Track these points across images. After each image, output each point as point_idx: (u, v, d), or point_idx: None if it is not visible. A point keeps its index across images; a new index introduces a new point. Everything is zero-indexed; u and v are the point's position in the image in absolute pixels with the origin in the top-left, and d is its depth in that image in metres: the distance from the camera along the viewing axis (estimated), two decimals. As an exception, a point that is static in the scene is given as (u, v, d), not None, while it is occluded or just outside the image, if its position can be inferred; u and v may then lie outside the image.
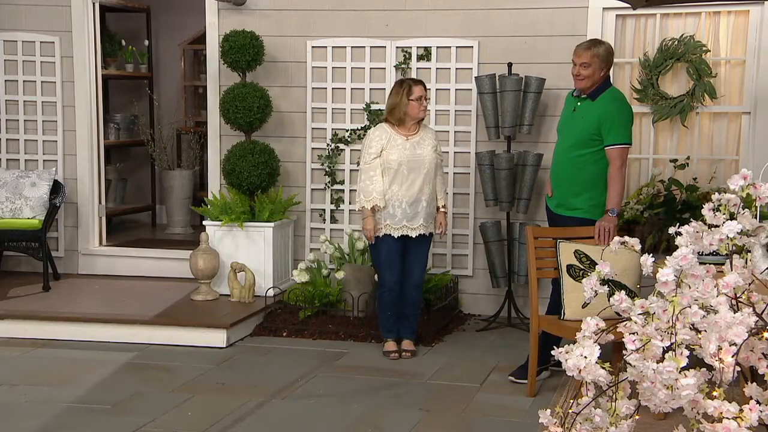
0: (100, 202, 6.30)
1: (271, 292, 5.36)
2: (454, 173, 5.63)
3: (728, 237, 1.83)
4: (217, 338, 4.87)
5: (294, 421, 3.80)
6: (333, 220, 5.86)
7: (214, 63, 5.86)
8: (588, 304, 3.77)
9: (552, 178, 4.39)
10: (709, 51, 5.09)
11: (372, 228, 4.56)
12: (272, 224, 5.49)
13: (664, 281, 1.75)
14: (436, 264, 5.66)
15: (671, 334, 1.65)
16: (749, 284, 1.97)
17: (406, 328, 4.76)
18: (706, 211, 1.91)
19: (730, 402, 1.58)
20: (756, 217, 3.69)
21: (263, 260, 5.48)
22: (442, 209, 4.78)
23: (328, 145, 5.81)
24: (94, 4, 6.13)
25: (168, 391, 4.12)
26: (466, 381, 4.34)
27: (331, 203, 5.85)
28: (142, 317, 5.03)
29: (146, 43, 7.47)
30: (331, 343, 4.98)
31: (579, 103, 4.24)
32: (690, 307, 1.67)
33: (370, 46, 5.68)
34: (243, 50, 5.44)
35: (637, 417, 1.93)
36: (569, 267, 3.98)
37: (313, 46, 5.76)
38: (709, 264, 1.98)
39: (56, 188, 5.90)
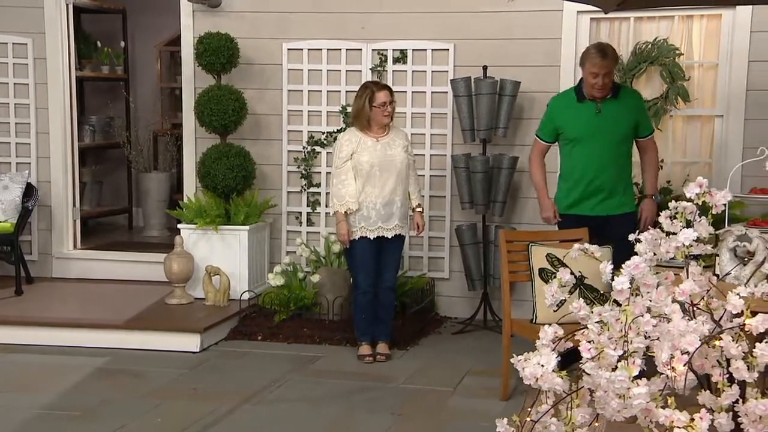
0: (74, 205, 6.25)
1: (246, 296, 5.33)
2: (430, 176, 5.63)
3: (684, 245, 1.84)
4: (190, 342, 4.84)
5: (265, 427, 3.78)
6: (309, 222, 5.84)
7: (189, 65, 5.83)
8: (559, 307, 3.77)
9: (584, 186, 4.28)
10: (683, 54, 5.12)
11: (346, 232, 4.55)
12: (247, 227, 5.47)
13: (619, 289, 1.76)
14: (412, 267, 5.66)
15: (624, 343, 1.66)
16: (707, 291, 1.98)
17: (381, 331, 4.76)
18: (663, 218, 1.92)
19: (681, 410, 1.59)
20: (725, 222, 3.71)
21: (238, 263, 5.46)
22: (417, 209, 4.78)
23: (304, 147, 5.79)
24: (67, 5, 6.07)
25: (139, 396, 4.09)
26: (439, 385, 4.33)
27: (308, 206, 5.83)
28: (115, 322, 5.00)
29: (122, 44, 7.41)
30: (305, 346, 4.97)
31: (599, 104, 4.26)
32: (642, 316, 1.67)
33: (346, 49, 5.66)
34: (218, 52, 5.42)
35: (596, 424, 1.94)
36: (541, 270, 3.99)
37: (288, 49, 5.74)
38: (673, 268, 2.00)
39: (29, 191, 5.84)
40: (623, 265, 1.76)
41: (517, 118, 5.41)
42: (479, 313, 5.40)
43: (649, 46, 5.12)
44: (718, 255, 3.53)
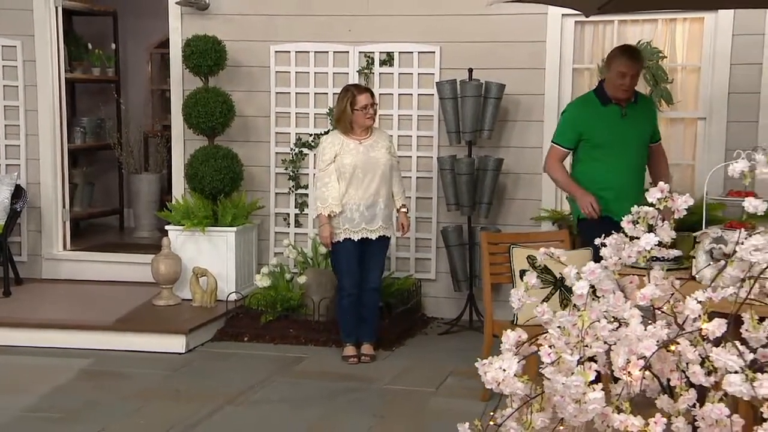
0: (64, 207, 6.24)
1: (233, 297, 5.32)
2: (416, 178, 5.63)
3: (646, 249, 1.83)
4: (176, 344, 4.83)
5: (246, 428, 3.77)
6: (297, 224, 5.84)
7: (178, 67, 5.82)
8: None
9: (614, 193, 4.14)
10: (666, 57, 5.12)
11: (328, 235, 4.55)
12: (235, 229, 5.46)
13: (579, 294, 1.75)
14: (399, 268, 5.65)
15: (580, 348, 1.65)
16: (671, 295, 1.97)
17: (365, 331, 4.75)
18: (625, 223, 1.92)
19: (636, 415, 1.58)
20: (703, 224, 3.69)
21: (226, 265, 5.45)
22: (402, 210, 4.74)
23: (291, 149, 5.78)
24: (56, 8, 6.06)
25: (122, 398, 4.07)
26: (422, 385, 4.33)
27: (295, 207, 5.82)
28: (101, 323, 4.98)
29: (113, 46, 7.40)
30: (291, 347, 4.96)
31: (623, 109, 4.16)
32: (599, 321, 1.66)
33: (333, 51, 5.66)
34: (205, 55, 5.41)
35: (561, 428, 1.93)
36: (522, 272, 3.98)
37: (276, 51, 5.73)
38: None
39: (18, 193, 5.83)
40: (582, 270, 1.76)
41: (503, 121, 5.41)
42: (465, 313, 5.40)
43: (632, 49, 5.11)
44: (694, 257, 3.53)
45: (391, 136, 5.16)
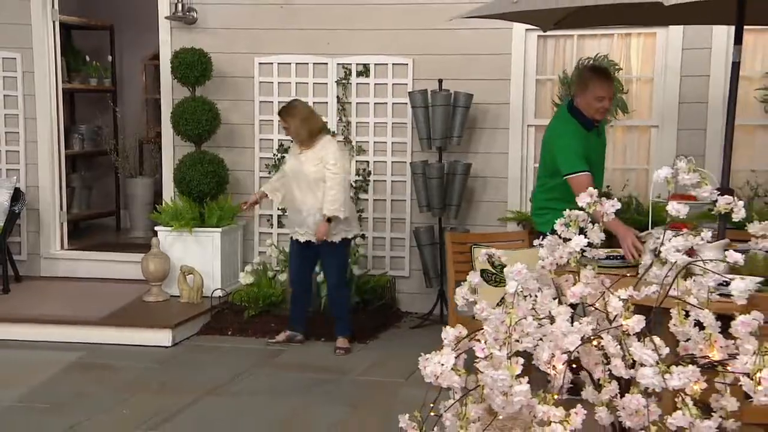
0: (61, 209, 6.19)
1: (218, 293, 5.30)
2: (391, 181, 5.62)
3: (576, 250, 1.83)
4: (163, 338, 4.80)
5: (225, 418, 3.75)
6: (280, 224, 5.81)
7: (167, 78, 5.78)
8: (499, 305, 3.76)
9: None
10: (622, 69, 5.13)
11: (247, 201, 4.90)
12: (220, 229, 5.44)
13: (510, 293, 1.75)
14: (375, 266, 5.64)
15: (508, 343, 1.65)
16: (602, 293, 1.97)
17: (338, 327, 4.78)
18: (558, 226, 1.91)
19: (558, 406, 1.58)
20: (649, 227, 3.70)
21: (212, 263, 5.43)
22: (324, 219, 4.49)
23: (274, 155, 5.77)
24: (54, 22, 6.02)
25: (109, 390, 4.04)
26: (393, 376, 4.32)
27: (278, 209, 5.80)
28: (93, 318, 4.95)
29: (110, 58, 7.37)
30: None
31: (598, 130, 3.95)
32: (526, 318, 1.66)
33: (313, 63, 5.64)
34: (191, 66, 5.39)
35: (499, 417, 1.92)
36: (482, 271, 3.97)
37: (260, 63, 5.71)
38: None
39: (17, 196, 5.78)
40: (510, 271, 1.75)
41: (471, 128, 5.41)
42: (436, 308, 5.40)
43: (591, 61, 5.12)
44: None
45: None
